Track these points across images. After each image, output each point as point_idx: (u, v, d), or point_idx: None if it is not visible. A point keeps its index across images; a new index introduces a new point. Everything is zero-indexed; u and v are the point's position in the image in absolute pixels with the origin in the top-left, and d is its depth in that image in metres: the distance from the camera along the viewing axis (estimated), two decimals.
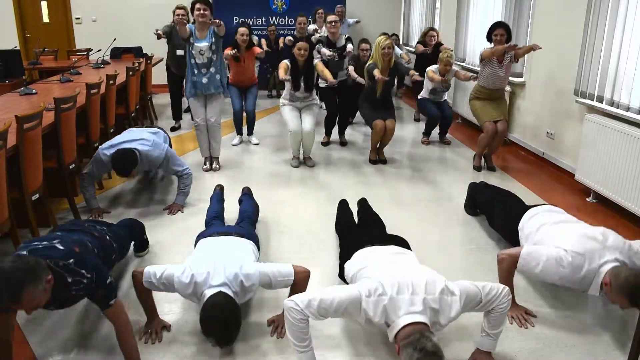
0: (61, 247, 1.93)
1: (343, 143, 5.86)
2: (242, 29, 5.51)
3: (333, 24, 5.52)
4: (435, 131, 6.05)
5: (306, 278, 2.43)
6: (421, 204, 4.12)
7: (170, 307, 2.68)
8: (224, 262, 2.35)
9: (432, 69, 5.75)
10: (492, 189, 3.72)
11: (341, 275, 2.70)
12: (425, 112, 6.03)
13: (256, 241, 2.84)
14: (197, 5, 4.48)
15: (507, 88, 5.33)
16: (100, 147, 3.78)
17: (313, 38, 5.38)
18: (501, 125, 4.83)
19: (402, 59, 7.77)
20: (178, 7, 6.02)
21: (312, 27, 7.31)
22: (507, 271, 2.56)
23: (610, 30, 3.98)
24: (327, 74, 4.79)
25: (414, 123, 7.02)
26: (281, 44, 7.98)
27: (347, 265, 2.56)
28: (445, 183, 4.63)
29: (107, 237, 2.47)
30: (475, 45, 6.71)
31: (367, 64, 4.97)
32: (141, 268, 2.36)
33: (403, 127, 6.75)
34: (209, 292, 2.22)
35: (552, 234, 2.61)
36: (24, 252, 1.93)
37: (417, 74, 4.96)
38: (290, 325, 2.05)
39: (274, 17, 9.13)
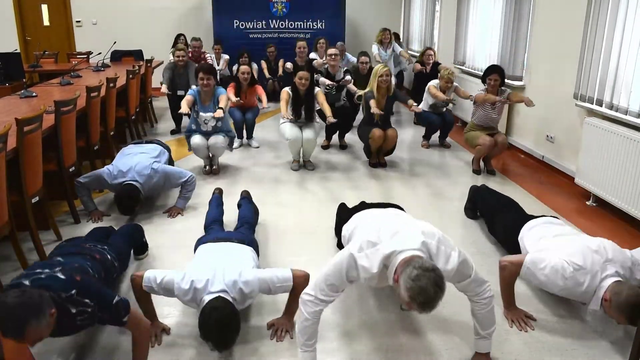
0: (62, 277, 1.91)
1: (343, 146, 5.86)
2: (243, 68, 5.60)
3: (333, 57, 5.69)
4: (435, 134, 6.06)
5: (306, 281, 2.42)
6: (421, 207, 4.11)
7: (170, 310, 2.68)
8: (223, 269, 2.35)
9: (433, 84, 5.76)
10: (493, 195, 3.71)
11: (338, 235, 2.69)
12: (426, 121, 6.04)
13: (256, 247, 2.85)
14: (201, 75, 4.61)
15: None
16: (107, 167, 3.77)
17: (314, 63, 5.44)
18: (500, 137, 4.90)
19: (403, 57, 7.81)
20: (177, 49, 6.25)
21: (312, 55, 7.42)
22: (509, 278, 2.57)
23: (610, 34, 3.99)
24: (327, 108, 4.82)
25: (414, 127, 7.02)
26: (281, 67, 8.00)
27: (344, 228, 2.59)
28: (444, 186, 4.63)
29: (109, 257, 2.42)
30: (475, 48, 6.72)
31: (365, 92, 5.00)
32: (140, 272, 2.37)
33: (402, 130, 6.75)
34: (207, 298, 2.23)
35: (553, 247, 2.60)
36: (26, 282, 1.91)
37: (416, 104, 5.01)
38: (303, 320, 2.07)
39: (273, 21, 9.13)
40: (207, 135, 4.75)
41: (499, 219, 3.32)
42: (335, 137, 5.91)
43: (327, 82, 5.43)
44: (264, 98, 5.54)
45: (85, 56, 8.18)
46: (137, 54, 8.35)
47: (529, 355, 2.37)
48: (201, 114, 4.65)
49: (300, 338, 2.09)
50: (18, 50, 8.08)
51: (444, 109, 5.97)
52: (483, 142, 4.80)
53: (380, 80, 4.83)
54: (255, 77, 5.96)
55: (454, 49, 7.27)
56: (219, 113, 4.58)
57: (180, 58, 6.12)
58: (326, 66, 5.85)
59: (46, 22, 9.50)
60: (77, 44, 9.52)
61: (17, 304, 1.71)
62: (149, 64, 7.13)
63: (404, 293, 1.80)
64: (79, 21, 9.50)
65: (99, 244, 2.52)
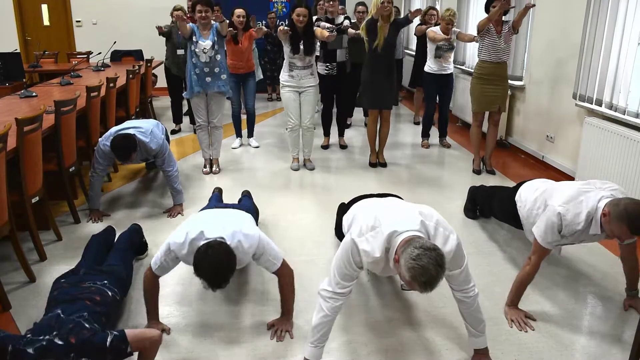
0: (60, 342, 1.96)
1: (343, 146, 5.86)
2: (238, 10, 5.41)
3: (332, 2, 5.46)
4: (435, 134, 6.06)
5: (290, 275, 2.46)
6: None
7: (170, 310, 2.68)
8: (222, 222, 2.35)
9: (433, 29, 5.59)
10: (490, 187, 3.83)
11: (338, 234, 2.71)
12: (425, 94, 5.98)
13: (255, 217, 2.84)
14: (199, 7, 4.50)
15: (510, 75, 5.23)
16: (99, 140, 3.80)
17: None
18: (496, 116, 4.85)
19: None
20: (175, 9, 6.09)
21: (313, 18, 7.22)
22: (526, 278, 2.59)
23: (609, 33, 3.99)
24: (325, 32, 4.64)
25: (414, 126, 7.02)
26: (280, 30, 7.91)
27: (344, 218, 2.60)
28: (444, 186, 4.63)
29: (110, 294, 2.39)
30: (475, 47, 6.71)
31: (365, 20, 4.84)
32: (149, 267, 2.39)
33: (402, 130, 6.76)
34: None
35: (549, 192, 2.68)
36: (30, 350, 1.93)
37: (415, 10, 4.76)
38: (322, 316, 2.08)
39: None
40: (206, 75, 4.61)
41: (495, 201, 3.43)
42: (334, 138, 5.91)
43: (327, 25, 5.29)
44: (259, 29, 5.15)
45: (85, 56, 8.17)
46: (137, 54, 8.35)
47: (529, 355, 2.37)
48: (200, 42, 4.53)
49: (315, 333, 2.09)
50: (18, 50, 8.08)
51: (450, 55, 5.71)
52: (475, 117, 4.85)
53: (382, 5, 4.54)
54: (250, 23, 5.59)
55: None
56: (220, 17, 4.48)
57: (180, 14, 5.68)
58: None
59: (46, 22, 9.50)
60: (77, 44, 9.51)
61: None
62: (149, 64, 7.12)
63: (405, 273, 1.79)
64: (79, 21, 9.49)
65: (98, 279, 2.46)
